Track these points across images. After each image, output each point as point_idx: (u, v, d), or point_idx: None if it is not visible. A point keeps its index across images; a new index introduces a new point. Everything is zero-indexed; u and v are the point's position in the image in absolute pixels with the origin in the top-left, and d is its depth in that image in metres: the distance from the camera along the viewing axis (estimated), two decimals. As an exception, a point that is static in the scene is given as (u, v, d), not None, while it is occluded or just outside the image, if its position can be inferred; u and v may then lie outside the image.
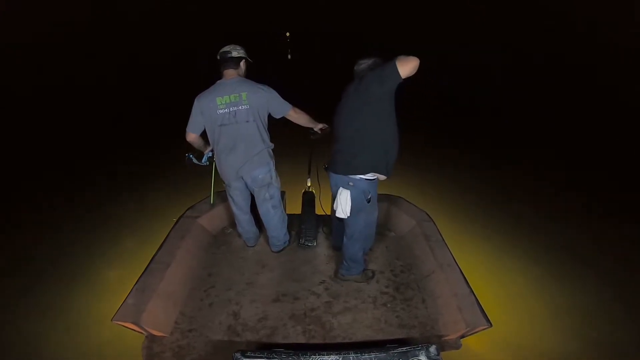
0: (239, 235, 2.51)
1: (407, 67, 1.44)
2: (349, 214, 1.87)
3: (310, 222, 2.60)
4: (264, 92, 1.91)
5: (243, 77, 1.94)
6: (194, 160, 2.23)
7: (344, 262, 2.19)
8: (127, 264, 2.96)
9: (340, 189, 1.83)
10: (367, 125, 1.68)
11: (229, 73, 1.91)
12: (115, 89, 7.49)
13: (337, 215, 1.89)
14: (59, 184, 4.55)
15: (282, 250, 2.49)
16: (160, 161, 4.91)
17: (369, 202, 1.86)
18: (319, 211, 2.70)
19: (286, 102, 2.00)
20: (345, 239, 2.10)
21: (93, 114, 6.74)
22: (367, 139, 1.71)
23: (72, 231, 3.57)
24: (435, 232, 2.44)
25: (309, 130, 2.20)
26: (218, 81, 1.92)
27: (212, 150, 2.17)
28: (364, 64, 1.74)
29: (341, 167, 1.81)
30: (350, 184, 1.80)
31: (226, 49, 1.89)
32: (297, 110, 2.06)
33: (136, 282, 1.92)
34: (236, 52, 1.90)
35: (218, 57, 1.90)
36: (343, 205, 1.84)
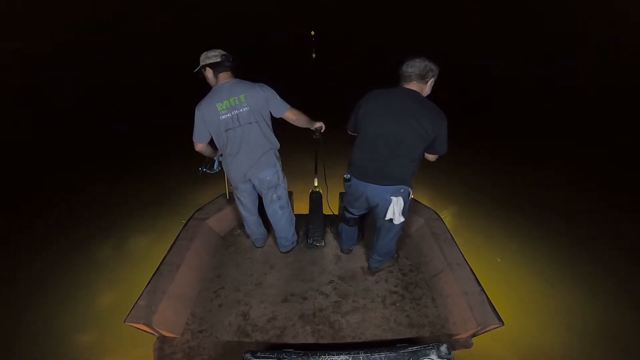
0: (247, 237, 2.52)
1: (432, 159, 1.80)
2: (405, 217, 1.84)
3: (317, 222, 2.60)
4: (262, 92, 1.86)
5: (238, 79, 1.90)
6: (208, 172, 2.22)
7: (377, 257, 2.19)
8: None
9: (394, 198, 1.78)
10: (414, 142, 1.66)
11: (225, 76, 1.86)
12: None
13: (395, 222, 1.83)
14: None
15: (290, 250, 2.50)
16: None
17: (408, 198, 1.85)
18: (326, 211, 2.70)
19: (284, 102, 1.95)
20: (384, 240, 2.06)
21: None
22: (412, 154, 1.70)
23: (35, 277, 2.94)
24: (445, 230, 2.41)
25: (313, 130, 2.21)
26: (214, 87, 1.87)
27: (222, 155, 2.16)
28: (413, 67, 1.64)
29: (392, 180, 1.76)
30: (402, 190, 1.77)
31: (217, 52, 1.83)
32: (295, 111, 1.98)
33: (147, 284, 1.94)
34: (228, 55, 1.85)
35: (214, 60, 1.82)
36: (399, 211, 1.80)
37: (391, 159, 1.71)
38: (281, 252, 2.48)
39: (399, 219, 1.81)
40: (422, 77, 1.64)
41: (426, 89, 1.69)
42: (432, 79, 1.68)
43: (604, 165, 4.56)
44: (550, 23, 12.34)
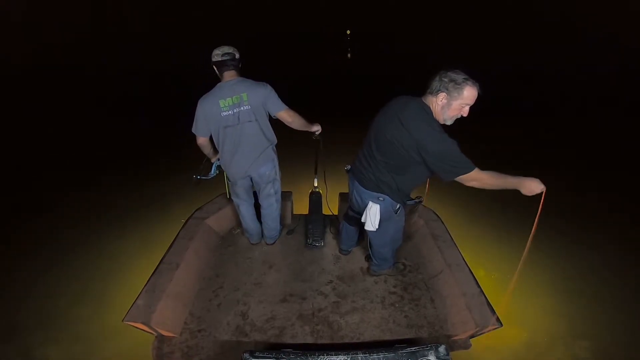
0: (244, 233, 2.54)
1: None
2: (377, 227, 1.80)
3: (317, 222, 2.60)
4: (262, 90, 1.91)
5: (242, 77, 1.94)
6: (203, 178, 2.23)
7: (374, 260, 2.19)
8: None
9: (370, 203, 1.75)
10: (392, 149, 1.56)
11: (230, 74, 1.90)
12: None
13: (366, 228, 1.82)
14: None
15: (275, 241, 2.57)
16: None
17: (397, 212, 1.81)
18: (325, 211, 2.70)
19: (282, 102, 1.98)
20: (373, 244, 2.05)
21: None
22: (389, 160, 1.62)
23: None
24: (444, 231, 2.41)
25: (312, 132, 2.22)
26: (218, 83, 1.91)
27: (219, 158, 2.17)
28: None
29: (371, 184, 1.72)
30: (380, 198, 1.73)
31: (227, 50, 1.87)
32: (291, 112, 2.00)
33: (146, 283, 1.94)
34: (237, 53, 1.90)
35: (219, 59, 1.87)
36: (372, 219, 1.77)
37: (371, 161, 1.69)
38: (267, 244, 2.55)
39: (369, 226, 1.80)
40: (431, 91, 1.49)
41: (434, 103, 1.48)
42: (443, 94, 1.43)
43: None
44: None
